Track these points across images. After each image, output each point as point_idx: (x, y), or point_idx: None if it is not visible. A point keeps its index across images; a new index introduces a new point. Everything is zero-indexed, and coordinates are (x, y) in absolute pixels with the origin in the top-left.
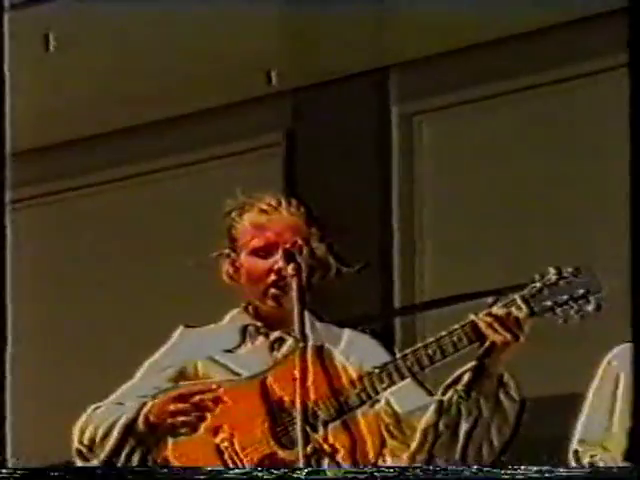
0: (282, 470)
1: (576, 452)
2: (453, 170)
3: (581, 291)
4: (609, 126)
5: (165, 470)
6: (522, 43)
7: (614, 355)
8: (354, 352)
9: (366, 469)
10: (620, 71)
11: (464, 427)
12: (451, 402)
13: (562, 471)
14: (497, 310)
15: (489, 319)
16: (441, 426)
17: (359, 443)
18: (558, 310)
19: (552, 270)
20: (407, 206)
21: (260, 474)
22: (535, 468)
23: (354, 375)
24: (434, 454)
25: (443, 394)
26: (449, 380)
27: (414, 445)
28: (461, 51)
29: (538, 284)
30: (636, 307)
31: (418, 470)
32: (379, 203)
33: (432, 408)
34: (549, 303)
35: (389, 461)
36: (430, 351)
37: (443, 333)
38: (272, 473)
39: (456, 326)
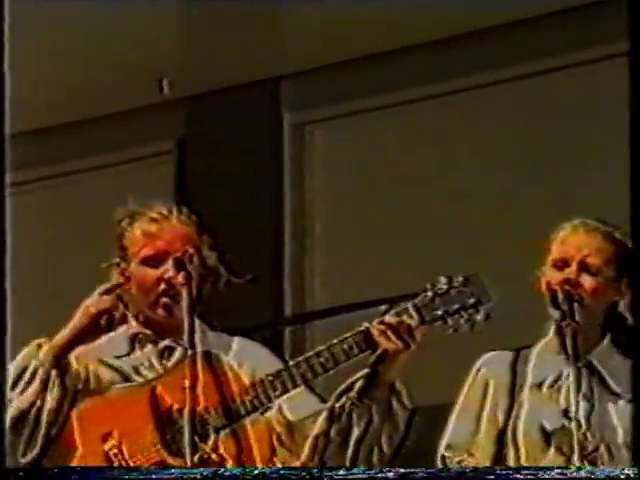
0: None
1: (443, 457)
2: (344, 179)
3: (471, 301)
4: (510, 140)
5: (166, 470)
6: (415, 54)
7: (483, 362)
8: (246, 360)
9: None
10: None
11: (355, 434)
12: (343, 409)
13: (561, 472)
14: (389, 318)
15: (381, 327)
16: (332, 433)
17: (247, 452)
18: (449, 319)
19: (443, 280)
20: (298, 215)
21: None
22: (535, 469)
23: (246, 383)
24: (325, 461)
25: (336, 401)
26: (342, 387)
27: (305, 453)
28: (352, 61)
29: (429, 293)
30: (636, 312)
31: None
32: (271, 212)
33: (324, 415)
34: (440, 312)
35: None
36: (323, 359)
37: (335, 341)
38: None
39: (348, 334)
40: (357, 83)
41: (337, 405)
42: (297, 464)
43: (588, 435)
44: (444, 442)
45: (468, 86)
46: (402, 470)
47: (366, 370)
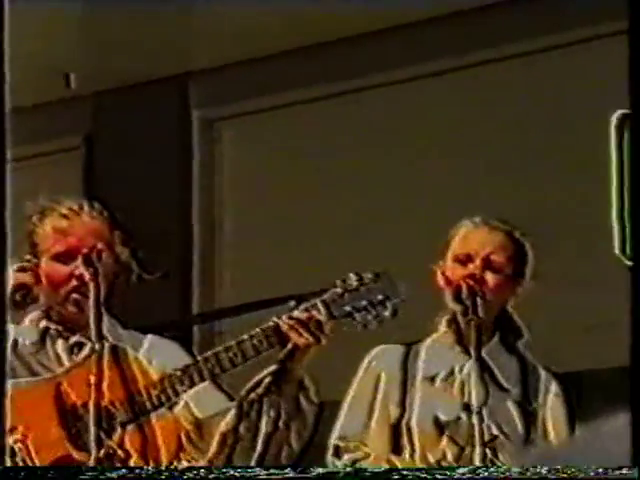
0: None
1: (337, 447)
2: (253, 176)
3: (380, 297)
4: (434, 128)
5: (166, 471)
6: (321, 51)
7: (374, 356)
8: (156, 356)
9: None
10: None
11: (264, 430)
12: (252, 406)
13: (561, 472)
14: (298, 314)
15: (291, 322)
16: (241, 430)
17: (152, 448)
18: (357, 315)
19: (353, 277)
20: (207, 212)
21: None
22: (534, 469)
23: (154, 378)
24: (233, 458)
25: (244, 398)
26: (250, 384)
27: (213, 449)
28: (262, 58)
29: (339, 289)
30: (635, 311)
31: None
32: (180, 209)
33: (232, 412)
34: (348, 308)
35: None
36: (231, 354)
37: (245, 336)
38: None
39: (258, 330)
40: (266, 80)
41: (246, 402)
42: (206, 460)
43: (491, 427)
44: (336, 433)
45: (377, 83)
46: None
47: (275, 366)
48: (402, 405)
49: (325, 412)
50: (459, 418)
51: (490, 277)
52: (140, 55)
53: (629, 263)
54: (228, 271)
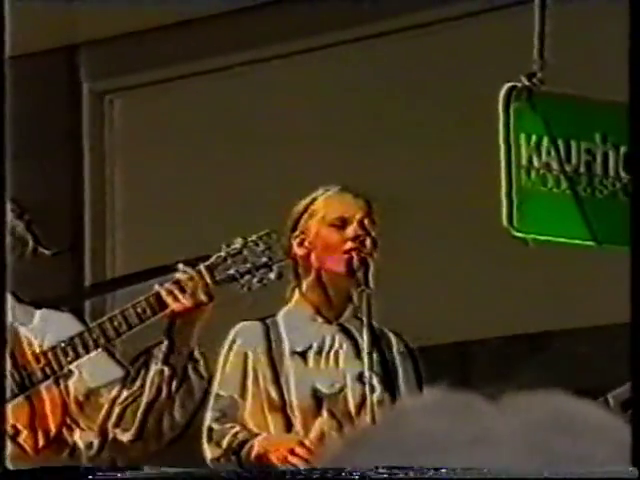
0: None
1: (210, 430)
2: (146, 151)
3: (264, 259)
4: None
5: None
6: (214, 23)
7: (236, 333)
8: (49, 330)
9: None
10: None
11: (145, 399)
12: (138, 373)
13: (560, 473)
14: (180, 277)
15: (171, 287)
16: (123, 396)
17: (40, 420)
18: (241, 279)
19: (239, 240)
20: (99, 189)
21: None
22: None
23: (41, 351)
24: (120, 427)
25: (131, 365)
26: (139, 351)
27: (100, 417)
28: (155, 29)
29: (222, 253)
30: (635, 306)
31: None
32: (70, 182)
33: (118, 379)
34: (232, 272)
35: (79, 437)
36: (116, 323)
37: (128, 305)
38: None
39: (141, 297)
40: (159, 52)
41: (133, 369)
42: (94, 429)
43: (381, 397)
44: (209, 415)
45: (271, 55)
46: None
47: (164, 335)
48: (277, 383)
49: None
50: (341, 390)
51: (368, 242)
52: (28, 25)
53: (516, 234)
54: (120, 247)
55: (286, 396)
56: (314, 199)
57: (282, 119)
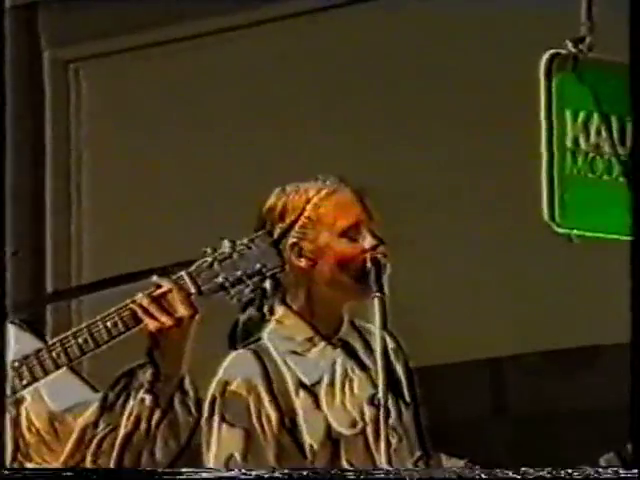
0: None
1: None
2: (116, 127)
3: (257, 266)
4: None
5: (169, 472)
6: None
7: (227, 369)
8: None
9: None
10: None
11: (123, 430)
12: (118, 399)
13: (560, 474)
14: (157, 290)
15: (146, 302)
16: (101, 425)
17: None
18: (231, 289)
19: (226, 243)
20: (62, 171)
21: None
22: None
23: None
24: (94, 457)
25: (111, 389)
26: (120, 372)
27: (69, 447)
28: None
29: (208, 259)
30: (635, 305)
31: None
32: (30, 169)
33: (95, 405)
34: (220, 280)
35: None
36: (81, 339)
37: (97, 318)
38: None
39: (112, 310)
40: (131, 15)
41: (111, 393)
42: (60, 461)
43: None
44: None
45: (245, 23)
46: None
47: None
48: (286, 427)
49: None
50: (362, 431)
51: (380, 246)
52: None
53: (558, 230)
54: (87, 240)
55: (300, 440)
56: (308, 199)
57: (269, 94)
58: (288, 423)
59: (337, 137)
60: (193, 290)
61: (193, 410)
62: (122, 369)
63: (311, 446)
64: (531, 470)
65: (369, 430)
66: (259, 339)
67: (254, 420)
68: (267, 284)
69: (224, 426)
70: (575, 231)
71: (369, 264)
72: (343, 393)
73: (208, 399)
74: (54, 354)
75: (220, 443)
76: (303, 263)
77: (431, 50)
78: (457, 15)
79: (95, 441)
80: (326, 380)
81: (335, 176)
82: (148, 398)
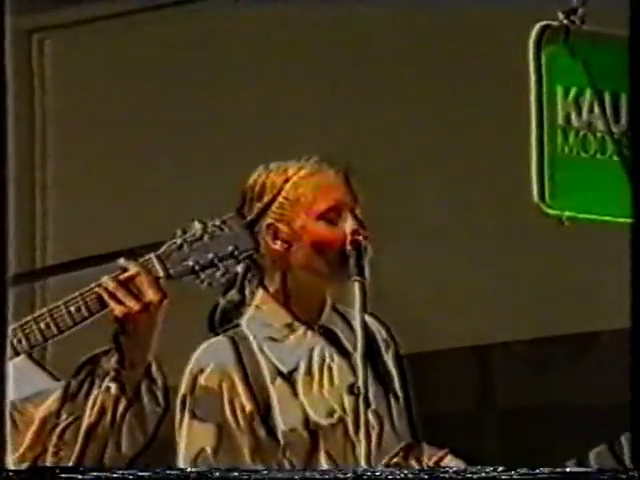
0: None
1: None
2: (84, 103)
3: (229, 248)
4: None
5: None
6: None
7: (198, 359)
8: None
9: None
10: None
11: (87, 420)
12: (80, 388)
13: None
14: (124, 272)
15: (112, 285)
16: (64, 415)
17: None
18: (201, 272)
19: (197, 224)
20: (26, 149)
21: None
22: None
23: None
24: (56, 448)
25: (74, 376)
26: (84, 359)
27: (28, 438)
28: None
29: (178, 241)
30: (635, 302)
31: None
32: None
33: (57, 394)
34: (190, 263)
35: None
36: (43, 324)
37: (59, 302)
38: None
39: (76, 293)
40: None
41: (74, 382)
42: (19, 452)
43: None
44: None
45: None
46: None
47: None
48: (262, 416)
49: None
50: (341, 420)
51: (362, 230)
52: None
53: (549, 211)
54: (51, 221)
55: (275, 432)
56: (287, 178)
57: (247, 67)
58: (263, 413)
59: (323, 115)
60: (162, 273)
61: (161, 399)
62: (85, 356)
63: (287, 437)
64: (530, 469)
65: (349, 420)
66: (237, 325)
67: (227, 412)
68: (239, 268)
69: (195, 422)
70: (567, 213)
71: (349, 247)
72: (321, 381)
73: (180, 393)
74: (15, 340)
75: (190, 438)
76: (278, 245)
77: (413, 26)
78: None
79: (57, 432)
80: (303, 367)
81: (318, 156)
82: (114, 386)
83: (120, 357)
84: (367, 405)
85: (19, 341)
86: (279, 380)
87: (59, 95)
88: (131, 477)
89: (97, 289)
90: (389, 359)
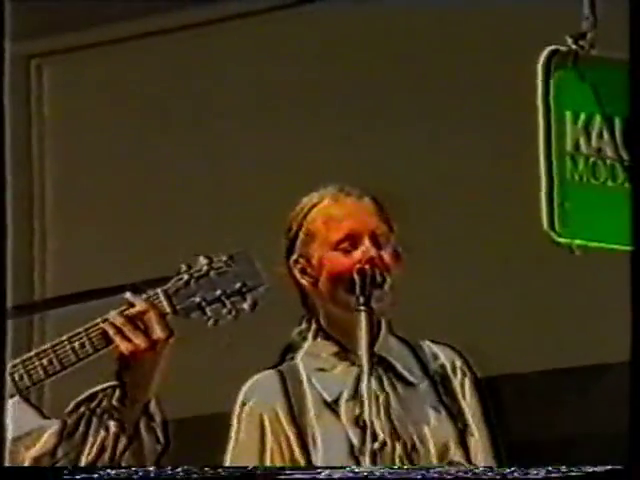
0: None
1: None
2: (83, 130)
3: (236, 285)
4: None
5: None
6: None
7: (247, 392)
8: None
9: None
10: None
11: (85, 459)
12: (78, 425)
13: (557, 473)
14: (130, 310)
15: (118, 320)
16: (59, 454)
17: None
18: (207, 308)
19: (202, 260)
20: (23, 179)
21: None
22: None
23: None
24: None
25: (70, 414)
26: (81, 397)
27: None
28: None
29: (185, 276)
30: (635, 303)
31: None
32: None
33: (52, 431)
34: (197, 299)
35: None
36: (45, 361)
37: (64, 338)
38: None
39: (81, 329)
40: (100, 6)
41: (71, 420)
42: None
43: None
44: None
45: (227, 15)
46: None
47: (114, 382)
48: (304, 449)
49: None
50: (385, 444)
51: (386, 256)
52: None
53: (559, 240)
54: (51, 253)
55: (314, 461)
56: (309, 210)
57: (254, 93)
58: (309, 441)
59: (340, 139)
60: (168, 310)
61: (160, 436)
62: (81, 394)
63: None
64: (527, 469)
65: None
66: (293, 358)
67: (269, 442)
68: (246, 305)
69: (236, 452)
70: (577, 241)
71: (355, 275)
72: (362, 408)
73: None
74: (16, 377)
75: (235, 454)
76: (306, 281)
77: (425, 46)
78: (454, 9)
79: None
80: (346, 396)
81: (336, 184)
82: (113, 424)
83: (120, 395)
84: (374, 439)
85: (20, 378)
86: (324, 409)
87: (57, 121)
88: (136, 477)
89: (103, 324)
90: (463, 386)
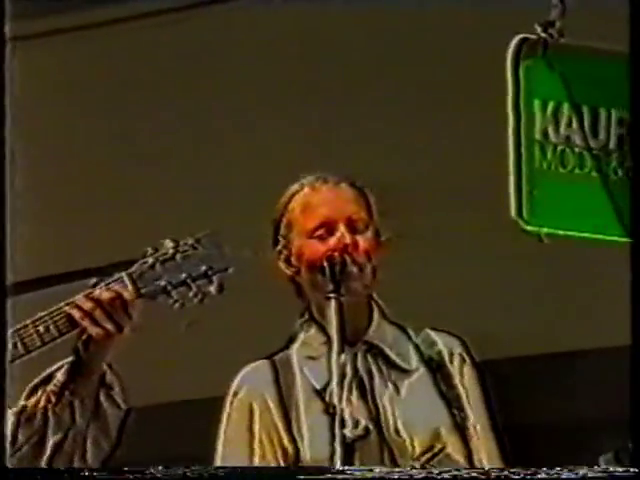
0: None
1: None
2: (57, 116)
3: (202, 268)
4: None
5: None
6: None
7: (238, 383)
8: None
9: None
10: None
11: (52, 439)
12: (36, 408)
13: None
14: (96, 293)
15: (85, 304)
16: (21, 438)
17: None
18: (173, 291)
19: (169, 243)
20: None
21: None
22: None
23: None
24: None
25: (27, 397)
26: (37, 380)
27: None
28: None
29: (150, 260)
30: (635, 303)
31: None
32: None
33: (9, 417)
34: (162, 283)
35: None
36: (10, 344)
37: (27, 322)
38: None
39: (44, 313)
40: None
41: (29, 402)
42: None
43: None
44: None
45: None
46: None
47: (70, 358)
48: (291, 436)
49: (135, 418)
50: (367, 430)
51: (361, 241)
52: None
53: (527, 228)
54: (20, 238)
55: (301, 449)
56: (289, 199)
57: (237, 78)
58: (295, 430)
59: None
60: (134, 293)
61: (120, 401)
62: (41, 375)
63: (319, 451)
64: (528, 470)
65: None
66: (287, 347)
67: (257, 429)
68: (212, 288)
69: (227, 438)
70: (545, 229)
71: (325, 262)
72: (350, 395)
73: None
74: None
75: (225, 453)
76: (290, 271)
77: (396, 36)
78: None
79: (17, 457)
80: (334, 383)
81: (314, 174)
82: (75, 401)
83: (78, 369)
84: (342, 425)
85: None
86: (312, 397)
87: (35, 104)
88: (134, 477)
89: (68, 308)
90: (462, 373)
